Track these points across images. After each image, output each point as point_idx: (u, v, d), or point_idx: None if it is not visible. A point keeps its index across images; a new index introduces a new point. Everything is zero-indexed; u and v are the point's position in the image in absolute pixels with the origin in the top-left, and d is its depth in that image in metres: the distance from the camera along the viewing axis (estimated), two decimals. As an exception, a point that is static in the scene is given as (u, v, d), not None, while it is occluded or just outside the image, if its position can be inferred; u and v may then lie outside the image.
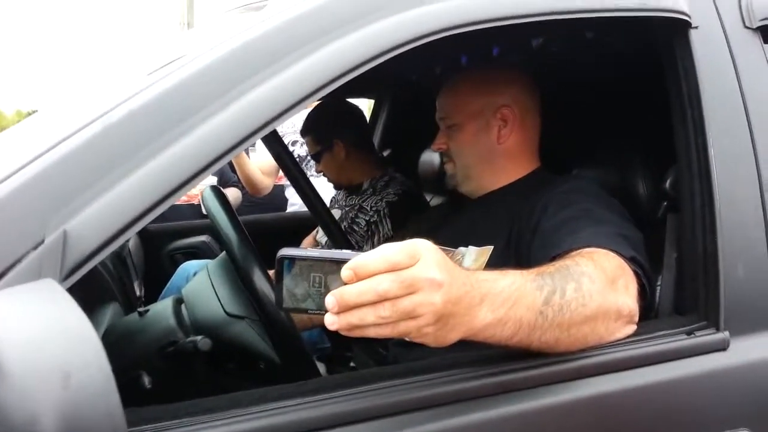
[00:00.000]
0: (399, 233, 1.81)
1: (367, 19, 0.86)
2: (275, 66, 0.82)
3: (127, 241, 1.87)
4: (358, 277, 0.65)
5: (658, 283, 1.19)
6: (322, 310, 0.67)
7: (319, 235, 2.17)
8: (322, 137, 2.08)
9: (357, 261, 0.66)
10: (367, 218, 1.99)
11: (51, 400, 0.44)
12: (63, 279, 0.66)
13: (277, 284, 0.69)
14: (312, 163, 3.34)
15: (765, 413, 0.99)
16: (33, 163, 0.73)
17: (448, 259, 0.71)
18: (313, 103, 1.85)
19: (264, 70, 0.82)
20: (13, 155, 0.79)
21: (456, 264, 1.09)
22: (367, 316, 0.65)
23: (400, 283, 0.65)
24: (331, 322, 0.66)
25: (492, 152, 1.29)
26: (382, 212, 1.97)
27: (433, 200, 2.14)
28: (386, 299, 0.65)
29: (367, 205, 2.01)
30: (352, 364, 1.71)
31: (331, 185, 2.94)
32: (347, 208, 2.09)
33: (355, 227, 2.01)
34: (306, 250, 0.70)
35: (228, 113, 0.78)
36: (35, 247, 0.68)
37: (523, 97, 1.30)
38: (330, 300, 0.65)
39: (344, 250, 0.69)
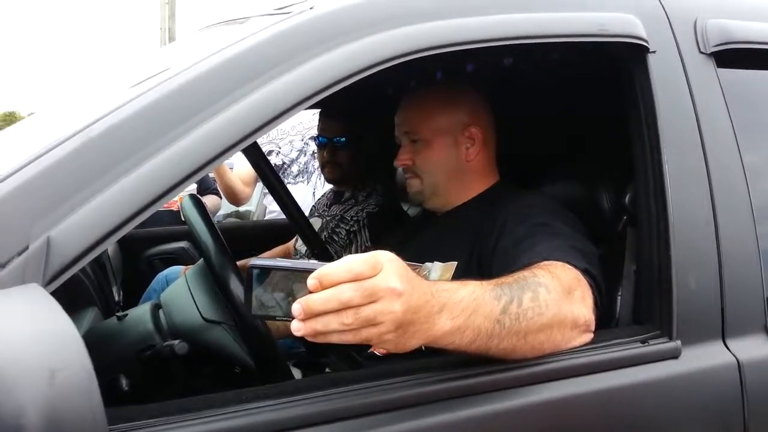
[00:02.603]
0: (376, 245, 1.84)
1: (341, 40, 0.91)
2: (255, 81, 0.86)
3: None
4: (323, 286, 0.70)
5: (619, 293, 1.25)
6: (290, 317, 0.71)
7: (299, 243, 2.20)
8: (359, 126, 2.00)
9: (322, 271, 0.70)
10: (347, 228, 2.02)
11: (36, 396, 0.47)
12: (46, 284, 0.69)
13: (247, 292, 0.73)
14: (291, 170, 3.39)
15: (711, 419, 1.05)
16: (18, 173, 0.77)
17: (410, 270, 0.76)
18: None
19: (244, 86, 0.86)
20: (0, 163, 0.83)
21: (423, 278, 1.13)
22: (330, 323, 0.70)
23: (362, 292, 0.70)
24: (297, 328, 0.70)
25: (460, 169, 1.32)
26: (361, 222, 2.01)
27: (410, 210, 2.19)
28: (349, 307, 0.69)
29: (348, 216, 2.05)
30: (327, 370, 1.74)
31: (309, 192, 2.95)
32: (328, 218, 2.12)
33: (335, 237, 2.05)
34: (275, 260, 0.74)
35: (208, 127, 0.82)
36: (20, 253, 0.71)
37: (485, 115, 1.34)
38: (296, 307, 0.70)
39: (311, 261, 0.74)
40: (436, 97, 1.34)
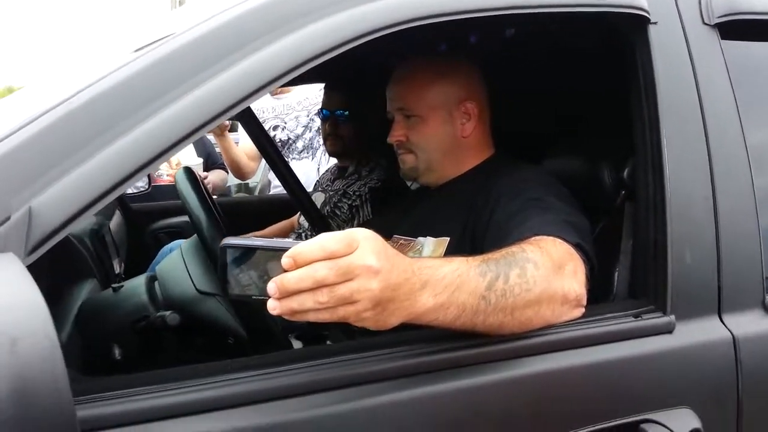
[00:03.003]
0: (375, 218, 1.84)
1: (343, 5, 0.89)
2: (248, 48, 0.85)
3: (108, 219, 1.91)
4: (297, 265, 0.69)
5: (617, 268, 1.24)
6: (265, 295, 0.70)
7: (302, 218, 2.21)
8: (360, 98, 1.98)
9: (296, 249, 0.69)
10: (350, 202, 2.02)
11: (-3, 363, 0.47)
12: (28, 253, 0.70)
13: (222, 271, 0.72)
14: (296, 146, 3.38)
15: (705, 393, 1.04)
16: (0, 143, 0.77)
17: (389, 247, 0.75)
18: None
19: (234, 53, 0.85)
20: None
21: (416, 253, 1.13)
22: (306, 301, 0.69)
23: (336, 270, 0.69)
24: (272, 306, 0.70)
25: (455, 145, 1.30)
26: (364, 197, 2.01)
27: (413, 185, 2.18)
28: (324, 285, 0.69)
29: (351, 190, 2.05)
30: (328, 342, 1.76)
31: (313, 168, 2.94)
32: (331, 193, 2.12)
33: (338, 211, 2.05)
34: (249, 238, 0.74)
35: (193, 95, 0.81)
36: (1, 224, 0.71)
37: (479, 89, 1.32)
38: (271, 286, 0.69)
39: (285, 239, 0.73)
40: (429, 70, 1.30)
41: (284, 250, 0.70)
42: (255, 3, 0.89)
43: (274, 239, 0.79)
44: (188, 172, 1.25)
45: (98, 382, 0.72)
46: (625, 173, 1.24)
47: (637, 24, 1.09)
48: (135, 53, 0.89)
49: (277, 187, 3.39)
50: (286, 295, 0.69)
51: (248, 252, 0.72)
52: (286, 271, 0.69)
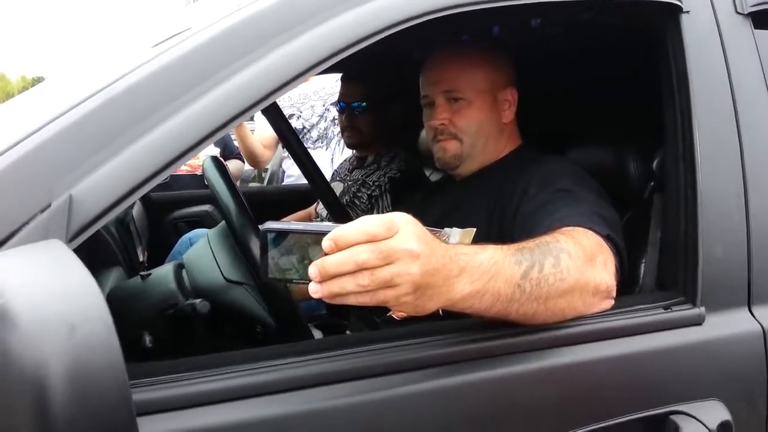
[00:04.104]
0: (396, 209, 1.84)
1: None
2: (278, 39, 0.85)
3: (131, 208, 1.92)
4: (338, 248, 0.69)
5: (643, 260, 1.24)
6: (306, 279, 0.71)
7: (320, 207, 2.21)
8: (378, 89, 1.96)
9: (337, 232, 0.69)
10: (369, 192, 2.02)
11: (57, 349, 0.48)
12: (69, 240, 0.70)
13: (262, 255, 0.72)
14: (311, 135, 3.38)
15: (734, 385, 1.04)
16: (41, 131, 0.77)
17: (427, 232, 0.75)
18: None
19: (265, 45, 0.85)
20: (23, 122, 0.83)
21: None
22: (347, 284, 0.69)
23: (378, 253, 0.69)
24: (314, 290, 0.70)
25: (498, 130, 1.30)
26: (383, 187, 2.00)
27: (433, 176, 2.18)
28: (365, 269, 0.69)
29: (370, 180, 2.04)
30: (348, 332, 1.76)
31: (327, 158, 2.92)
32: (350, 182, 2.11)
33: (357, 201, 2.05)
34: (289, 222, 0.74)
35: (228, 86, 0.82)
36: (42, 210, 0.72)
37: (514, 77, 1.33)
38: (312, 269, 0.69)
39: (325, 223, 0.73)
40: (474, 55, 1.30)
41: (324, 233, 0.70)
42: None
43: (314, 223, 0.80)
44: (216, 161, 1.26)
45: (141, 368, 0.73)
46: (655, 164, 1.23)
47: (669, 13, 1.08)
48: (155, 48, 0.89)
49: (290, 177, 3.41)
50: (327, 278, 0.69)
51: (288, 236, 0.72)
52: (326, 254, 0.69)
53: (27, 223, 0.71)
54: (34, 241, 0.70)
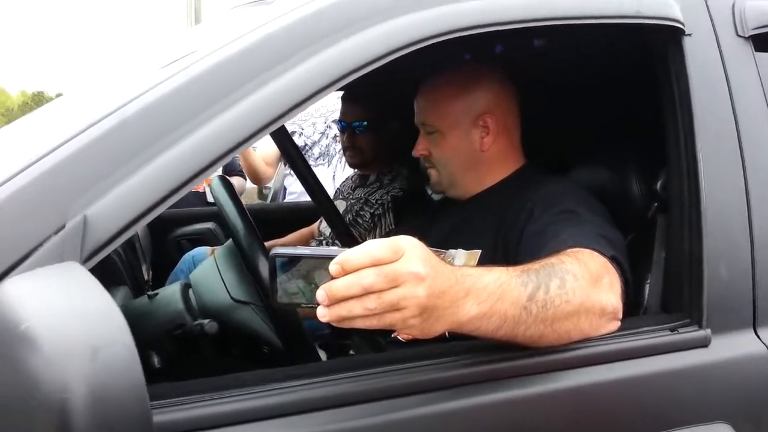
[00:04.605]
0: (399, 228, 1.85)
1: (374, 19, 0.90)
2: (286, 63, 0.86)
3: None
4: (345, 272, 0.70)
5: (648, 281, 1.24)
6: (314, 303, 0.72)
7: (323, 226, 2.21)
8: (382, 110, 1.96)
9: (343, 256, 0.70)
10: (371, 211, 2.02)
11: (80, 371, 0.49)
12: (83, 261, 0.71)
13: (271, 281, 0.74)
14: (313, 152, 3.40)
15: (742, 408, 1.04)
16: (54, 152, 0.78)
17: (433, 255, 0.76)
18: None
19: (275, 67, 0.86)
20: (35, 144, 0.84)
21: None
22: (354, 308, 0.70)
23: (384, 276, 0.70)
24: (322, 314, 0.71)
25: (476, 159, 1.29)
26: (386, 205, 2.01)
27: (435, 195, 2.18)
28: (371, 292, 0.70)
29: (373, 198, 2.05)
30: (351, 352, 1.76)
31: (329, 176, 2.92)
32: (352, 201, 2.12)
33: (360, 220, 2.05)
34: (297, 248, 0.75)
35: (239, 108, 0.83)
36: (57, 232, 0.72)
37: (504, 101, 1.30)
38: (320, 294, 0.70)
39: (332, 247, 0.74)
40: (448, 86, 1.29)
41: (331, 257, 0.71)
42: (301, 13, 0.90)
43: (321, 248, 0.80)
44: (224, 180, 1.26)
45: (153, 390, 0.73)
46: (658, 185, 1.24)
47: (672, 36, 1.10)
48: (163, 69, 0.90)
49: (292, 194, 3.42)
50: (334, 302, 0.70)
51: (295, 260, 0.73)
52: (333, 278, 0.70)
53: (41, 244, 0.72)
54: (48, 263, 0.70)
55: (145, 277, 1.72)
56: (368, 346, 1.46)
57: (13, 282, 0.60)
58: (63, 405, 0.48)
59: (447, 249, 1.28)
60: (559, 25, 1.02)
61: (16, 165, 0.77)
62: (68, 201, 0.74)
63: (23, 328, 0.50)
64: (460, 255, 1.23)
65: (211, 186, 1.27)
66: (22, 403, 0.50)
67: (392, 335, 1.24)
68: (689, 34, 1.10)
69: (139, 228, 0.75)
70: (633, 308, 1.18)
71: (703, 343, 1.03)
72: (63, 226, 0.73)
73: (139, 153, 0.77)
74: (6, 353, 0.52)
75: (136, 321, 1.18)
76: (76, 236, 0.72)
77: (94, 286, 0.56)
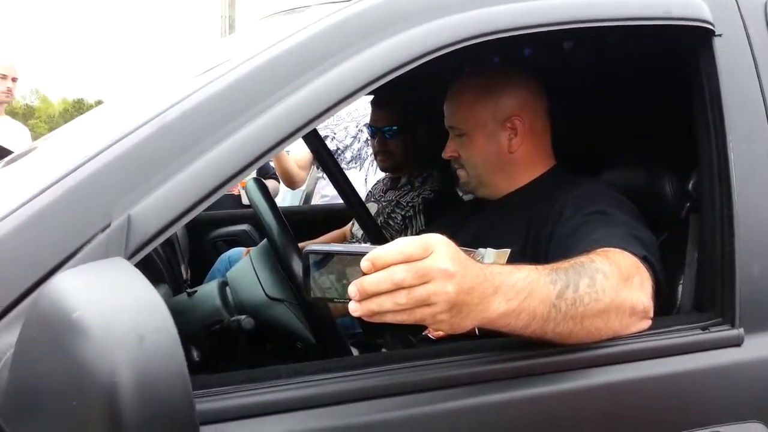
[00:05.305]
0: (430, 228, 1.86)
1: (400, 26, 0.92)
2: (318, 69, 0.89)
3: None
4: (376, 268, 0.72)
5: (680, 281, 1.24)
6: (346, 298, 0.74)
7: (355, 227, 2.24)
8: (411, 114, 1.98)
9: (374, 253, 0.73)
10: (403, 213, 2.04)
11: (128, 357, 0.52)
12: (127, 258, 0.75)
13: (305, 277, 0.77)
14: (345, 156, 3.44)
15: (775, 407, 1.03)
16: (100, 156, 0.82)
17: (462, 252, 0.78)
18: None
19: (306, 73, 0.89)
20: (82, 148, 0.89)
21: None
22: (385, 303, 0.72)
23: (414, 273, 0.72)
24: (354, 309, 0.73)
25: (504, 161, 1.30)
26: (417, 207, 2.03)
27: (465, 196, 2.19)
28: (402, 288, 0.72)
29: (404, 201, 2.07)
30: (383, 350, 1.79)
31: (361, 179, 2.94)
32: (384, 203, 2.14)
33: (391, 222, 2.08)
34: (330, 245, 0.78)
35: (273, 113, 0.86)
36: (103, 230, 0.77)
37: (532, 102, 1.31)
38: (352, 289, 0.73)
39: (363, 245, 0.77)
40: (475, 88, 1.31)
41: (363, 254, 0.74)
42: (334, 19, 0.93)
43: (353, 245, 0.83)
44: (258, 182, 1.30)
45: (192, 380, 0.77)
46: (690, 185, 1.23)
47: (702, 37, 1.09)
48: (199, 77, 0.94)
49: (325, 197, 3.46)
50: (365, 297, 0.73)
51: (328, 257, 0.76)
52: (365, 274, 0.73)
53: (89, 241, 0.76)
54: (95, 259, 0.74)
55: (184, 276, 1.78)
56: (399, 344, 1.48)
57: (63, 275, 0.64)
58: (113, 388, 0.51)
59: (477, 248, 1.30)
60: (582, 28, 1.03)
61: (64, 168, 0.82)
62: (113, 201, 0.78)
63: (75, 317, 0.54)
64: (489, 254, 1.24)
65: (246, 188, 1.31)
66: (74, 386, 0.53)
67: (423, 333, 1.26)
68: (719, 35, 1.09)
69: (180, 227, 0.79)
70: (666, 308, 1.18)
71: (736, 342, 1.03)
72: (109, 225, 0.77)
73: (179, 156, 0.81)
74: (59, 340, 0.56)
75: (176, 317, 1.21)
76: (121, 234, 0.76)
77: (139, 278, 0.60)
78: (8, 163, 1.38)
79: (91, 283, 0.60)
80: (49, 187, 0.79)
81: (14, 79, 3.55)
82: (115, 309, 0.56)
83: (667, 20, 1.07)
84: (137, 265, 0.76)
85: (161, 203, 0.78)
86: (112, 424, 0.51)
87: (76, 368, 0.53)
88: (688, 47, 1.12)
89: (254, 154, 0.84)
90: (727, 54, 1.09)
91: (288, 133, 0.86)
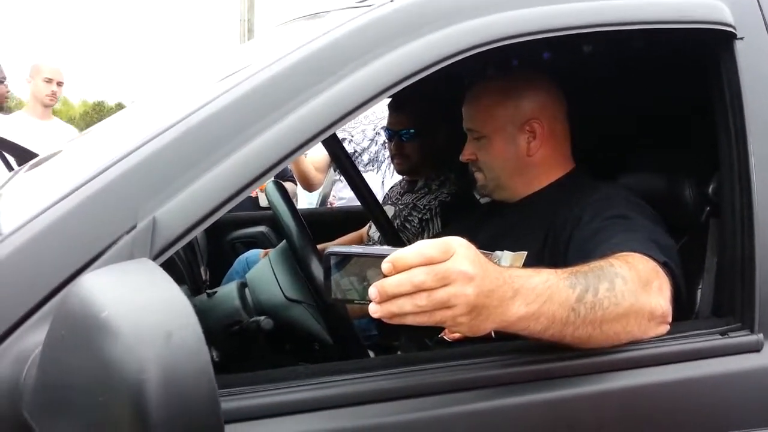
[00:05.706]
0: (446, 230, 1.86)
1: (421, 32, 0.94)
2: (339, 73, 0.91)
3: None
4: (396, 270, 0.73)
5: (699, 286, 1.23)
6: (366, 300, 0.75)
7: (372, 230, 2.25)
8: (428, 117, 1.99)
9: (395, 255, 0.74)
10: (420, 216, 2.05)
11: (155, 354, 0.54)
12: (152, 259, 0.76)
13: (326, 278, 0.77)
14: (362, 158, 3.45)
15: (796, 414, 1.02)
16: (125, 159, 0.84)
17: (481, 255, 0.78)
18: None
19: (327, 78, 0.90)
20: (108, 151, 0.91)
21: None
22: (405, 305, 0.73)
23: (434, 275, 0.73)
24: (374, 310, 0.74)
25: (522, 164, 1.30)
26: (434, 210, 2.03)
27: (483, 199, 2.19)
28: (422, 290, 0.73)
29: (421, 204, 2.07)
30: (399, 353, 1.79)
31: (378, 181, 2.95)
32: (401, 206, 2.15)
33: (408, 225, 2.08)
34: (351, 247, 0.79)
35: (294, 118, 0.87)
36: (128, 231, 0.79)
37: (551, 106, 1.31)
38: (372, 291, 0.74)
39: (384, 246, 0.78)
40: (494, 91, 1.32)
41: (383, 256, 0.74)
42: (354, 25, 0.94)
43: (374, 246, 0.84)
44: (278, 185, 1.32)
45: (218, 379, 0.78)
46: (710, 189, 1.23)
47: (723, 40, 1.09)
48: (221, 82, 0.95)
49: (342, 200, 3.48)
50: (386, 299, 0.73)
51: (349, 259, 0.77)
52: (385, 276, 0.74)
53: (115, 242, 0.78)
54: (120, 260, 0.76)
55: (203, 277, 1.80)
56: (415, 346, 1.49)
57: (91, 275, 0.66)
58: (141, 385, 0.53)
59: (493, 251, 1.30)
60: (602, 32, 1.03)
61: (91, 171, 0.84)
62: (139, 203, 0.80)
63: (103, 316, 0.56)
64: (506, 256, 1.24)
65: (266, 190, 1.33)
66: (102, 383, 0.55)
67: (439, 335, 1.27)
68: (741, 38, 1.09)
69: (202, 229, 0.81)
70: (685, 313, 1.17)
71: (755, 348, 1.02)
72: (134, 226, 0.79)
73: (203, 160, 0.83)
74: (87, 338, 0.58)
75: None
76: (146, 235, 0.78)
77: (164, 278, 0.61)
78: (34, 165, 1.41)
79: (118, 283, 0.62)
80: (76, 190, 0.81)
81: (60, 83, 3.59)
82: (143, 307, 0.57)
83: (688, 23, 1.06)
84: (161, 266, 0.78)
85: (185, 206, 0.80)
86: (140, 420, 0.52)
87: (104, 365, 0.55)
88: (709, 50, 1.11)
89: (276, 157, 0.85)
90: (749, 57, 1.09)
91: (309, 137, 0.88)
